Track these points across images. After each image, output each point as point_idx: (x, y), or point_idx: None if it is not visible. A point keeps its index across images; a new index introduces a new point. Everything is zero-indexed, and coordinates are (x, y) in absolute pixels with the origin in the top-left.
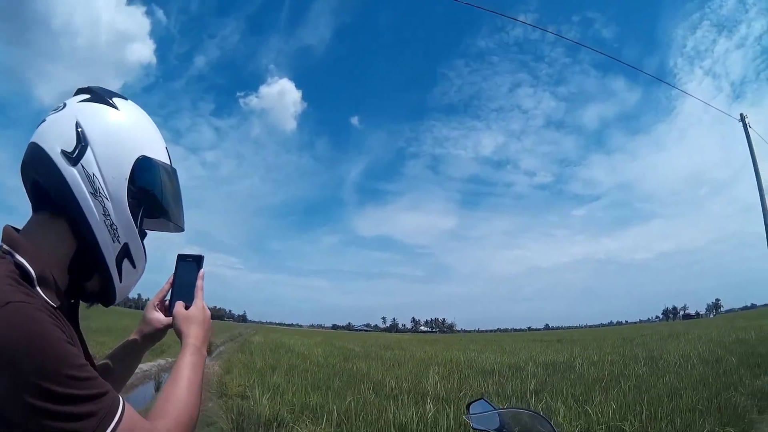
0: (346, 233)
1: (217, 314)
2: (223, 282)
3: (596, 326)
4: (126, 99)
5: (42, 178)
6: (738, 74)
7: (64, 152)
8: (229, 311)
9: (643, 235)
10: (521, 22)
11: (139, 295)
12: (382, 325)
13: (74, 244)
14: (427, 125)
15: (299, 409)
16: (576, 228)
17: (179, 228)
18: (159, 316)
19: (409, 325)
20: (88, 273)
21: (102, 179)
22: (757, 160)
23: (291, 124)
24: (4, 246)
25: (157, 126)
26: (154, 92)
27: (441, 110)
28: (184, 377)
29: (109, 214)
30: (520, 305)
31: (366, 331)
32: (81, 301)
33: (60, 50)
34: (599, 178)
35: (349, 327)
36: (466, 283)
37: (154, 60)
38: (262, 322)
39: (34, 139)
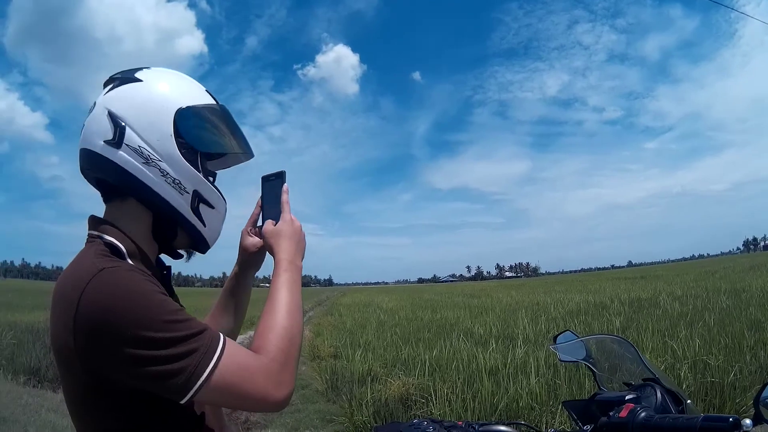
0: (421, 188)
1: (304, 282)
2: (307, 249)
3: (678, 260)
4: (149, 67)
5: (102, 174)
6: None
7: (107, 142)
8: (315, 277)
9: (718, 165)
10: None
11: (224, 273)
12: (467, 275)
13: (150, 214)
14: (490, 72)
15: (391, 362)
16: (649, 161)
17: (249, 156)
18: (253, 240)
19: (494, 272)
20: (172, 232)
21: (149, 146)
22: None
23: (353, 88)
24: (93, 232)
25: None
26: (210, 79)
27: (502, 55)
28: (281, 299)
29: (168, 173)
30: (601, 244)
31: (452, 281)
32: (180, 257)
33: (108, 59)
34: (668, 109)
35: (434, 279)
36: (545, 225)
37: (205, 49)
38: (348, 284)
39: (81, 145)
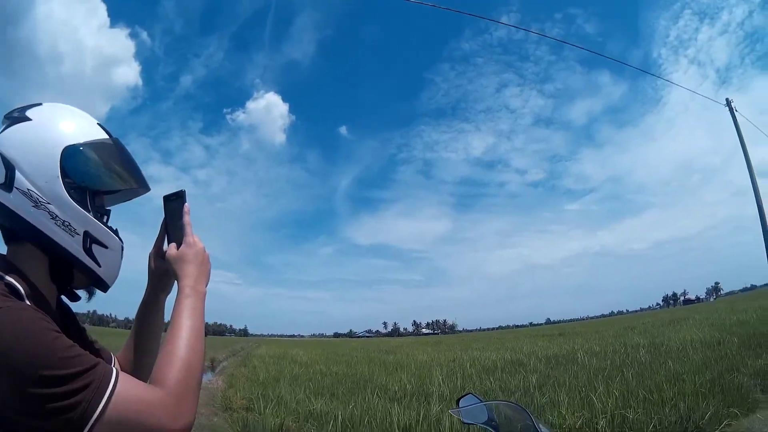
0: (341, 243)
1: (218, 330)
2: (223, 298)
3: (598, 317)
4: (41, 104)
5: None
6: (723, 61)
7: None
8: (230, 326)
9: (638, 226)
10: (503, 24)
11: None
12: (383, 330)
13: (46, 257)
14: (416, 130)
15: (304, 416)
16: (571, 223)
17: (145, 189)
18: (159, 264)
19: (410, 329)
20: (69, 274)
21: (36, 189)
22: (746, 144)
23: (280, 137)
24: None
25: (147, 147)
26: (142, 114)
27: (429, 115)
28: (182, 327)
29: (57, 216)
30: (520, 302)
31: (368, 336)
32: (78, 299)
33: (46, 78)
34: (591, 172)
35: (350, 334)
36: (465, 284)
37: (140, 82)
38: (263, 335)
39: None
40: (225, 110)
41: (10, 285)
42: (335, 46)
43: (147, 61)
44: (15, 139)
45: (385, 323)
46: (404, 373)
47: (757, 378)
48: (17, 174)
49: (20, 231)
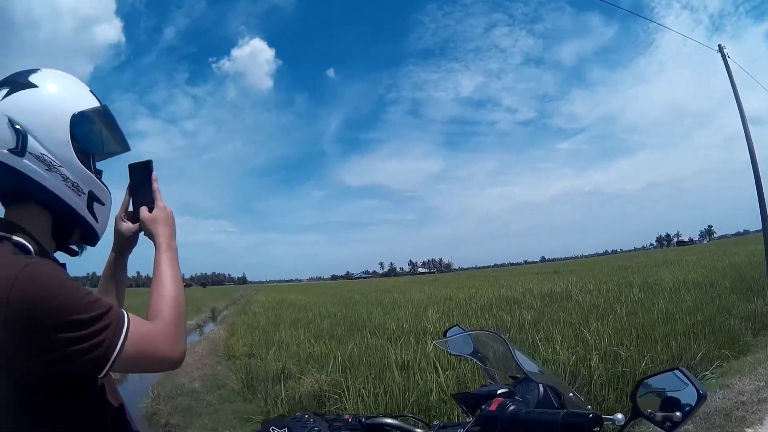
0: (332, 185)
1: (217, 279)
2: (219, 247)
3: (592, 256)
4: (39, 70)
5: (3, 180)
6: (716, 7)
7: (11, 150)
8: (228, 275)
9: (631, 166)
10: None
11: (138, 272)
12: (380, 271)
13: (49, 216)
14: (404, 71)
15: (305, 359)
16: (562, 161)
17: (127, 150)
18: (128, 225)
19: (407, 269)
20: (70, 230)
21: (50, 153)
22: (738, 90)
23: (267, 83)
24: None
25: (134, 102)
26: (126, 70)
27: (418, 55)
28: (166, 274)
29: (67, 177)
30: (514, 240)
31: (365, 278)
32: (75, 254)
33: (24, 44)
34: (581, 112)
35: (348, 276)
36: (458, 222)
37: (122, 38)
38: (262, 282)
39: None
40: (210, 59)
41: (18, 244)
42: None
43: (128, 16)
44: (25, 106)
45: (381, 264)
46: (401, 313)
47: (748, 321)
48: (30, 139)
49: (31, 192)
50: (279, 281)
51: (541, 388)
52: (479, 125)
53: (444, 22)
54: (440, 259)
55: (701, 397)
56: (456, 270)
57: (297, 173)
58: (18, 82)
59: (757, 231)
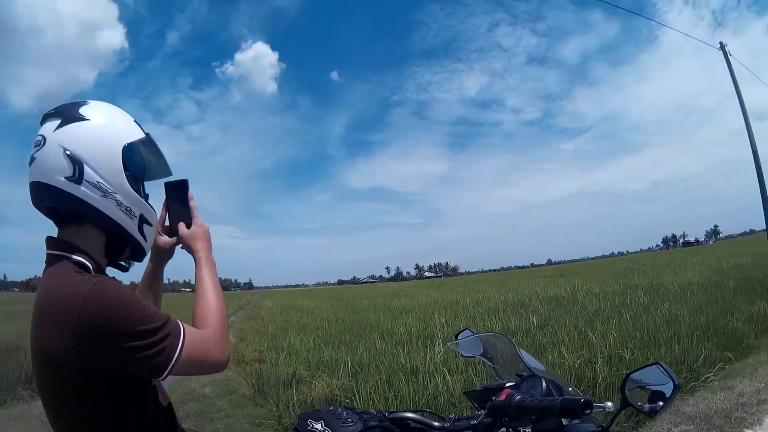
0: (338, 188)
1: (224, 285)
2: (225, 252)
3: (598, 258)
4: (88, 103)
5: (59, 204)
6: (718, 2)
7: (68, 178)
8: (235, 280)
9: (635, 165)
10: None
11: (169, 279)
12: (386, 275)
13: (103, 235)
14: (408, 72)
15: (315, 365)
16: (567, 161)
17: (168, 174)
18: (165, 239)
19: (413, 272)
20: (121, 249)
21: (105, 181)
22: (741, 87)
23: (271, 87)
24: (56, 252)
25: (138, 108)
26: (130, 76)
27: (421, 56)
28: (208, 286)
29: (121, 203)
30: (520, 242)
31: (371, 282)
32: (125, 270)
33: (29, 52)
34: (585, 111)
35: (354, 280)
36: (464, 225)
37: (126, 44)
38: (268, 287)
39: (34, 178)
40: (214, 64)
41: (78, 262)
42: None
43: (131, 22)
44: (79, 138)
45: (387, 268)
46: (409, 318)
47: (751, 323)
48: (86, 169)
49: (87, 215)
50: (285, 286)
51: (544, 383)
52: (484, 126)
53: (447, 23)
54: (446, 263)
55: (676, 388)
56: (462, 273)
57: (302, 176)
58: (69, 114)
59: (763, 230)
